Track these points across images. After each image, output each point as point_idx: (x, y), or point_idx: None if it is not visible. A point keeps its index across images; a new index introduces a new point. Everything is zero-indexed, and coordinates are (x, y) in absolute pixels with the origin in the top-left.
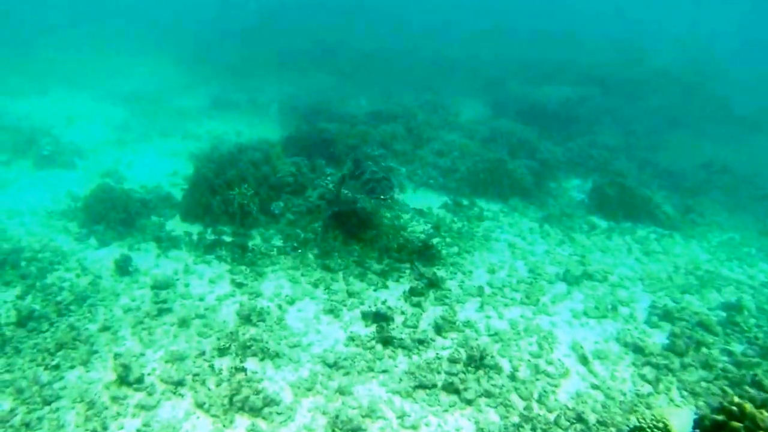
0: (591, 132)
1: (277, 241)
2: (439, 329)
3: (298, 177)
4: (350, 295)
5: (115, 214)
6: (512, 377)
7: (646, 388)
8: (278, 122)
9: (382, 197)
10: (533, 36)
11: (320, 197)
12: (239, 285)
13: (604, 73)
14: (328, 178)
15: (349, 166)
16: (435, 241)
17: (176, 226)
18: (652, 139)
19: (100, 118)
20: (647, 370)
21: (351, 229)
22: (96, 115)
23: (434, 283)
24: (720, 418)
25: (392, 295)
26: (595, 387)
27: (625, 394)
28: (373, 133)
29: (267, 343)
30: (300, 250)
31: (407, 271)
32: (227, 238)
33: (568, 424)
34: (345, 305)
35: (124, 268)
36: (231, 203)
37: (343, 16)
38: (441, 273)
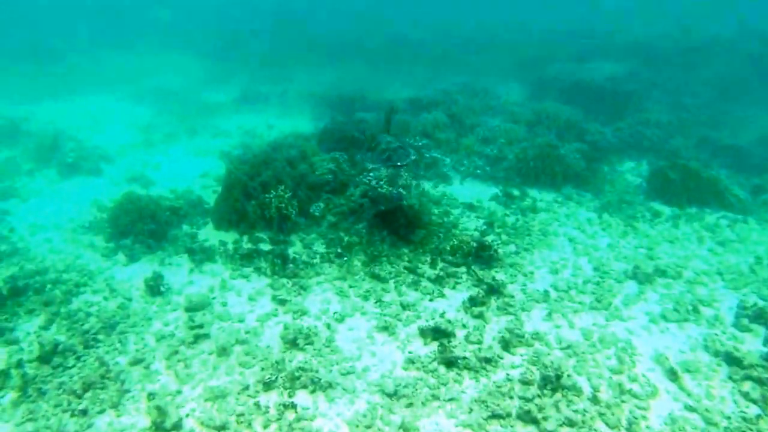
0: (641, 109)
1: (320, 247)
2: (506, 344)
3: (338, 174)
4: (404, 307)
5: (142, 226)
6: (594, 400)
7: (753, 410)
8: (311, 113)
9: (399, 164)
10: (570, 10)
11: (363, 195)
12: (282, 302)
13: (650, 45)
14: (371, 174)
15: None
16: (490, 238)
17: (209, 234)
18: (708, 113)
19: (126, 119)
20: (749, 386)
21: (398, 230)
22: (122, 115)
23: (495, 289)
24: None
25: (450, 305)
26: (690, 409)
27: (728, 418)
28: (414, 122)
29: (317, 371)
30: (345, 258)
31: (464, 276)
32: (265, 247)
33: None
34: (400, 320)
35: (155, 287)
36: (268, 207)
37: (373, 2)
38: (500, 276)
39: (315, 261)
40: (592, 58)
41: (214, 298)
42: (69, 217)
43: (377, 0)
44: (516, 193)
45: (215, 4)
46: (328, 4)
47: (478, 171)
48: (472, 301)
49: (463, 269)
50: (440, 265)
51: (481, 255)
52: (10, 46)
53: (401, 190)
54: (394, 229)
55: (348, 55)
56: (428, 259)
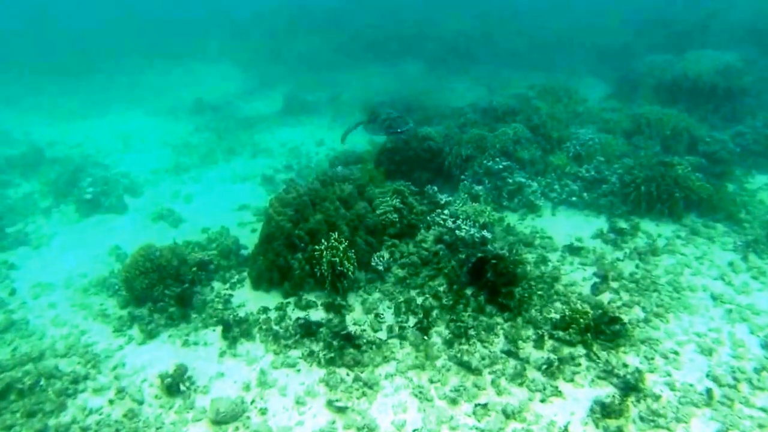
0: (763, 107)
1: (386, 311)
2: None
3: (405, 212)
4: (508, 416)
5: (163, 290)
6: None
7: None
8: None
9: (399, 131)
10: None
11: (438, 240)
12: (340, 410)
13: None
14: (446, 211)
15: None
16: (606, 298)
17: (246, 297)
18: None
19: (160, 138)
20: None
21: (487, 288)
22: (157, 134)
23: (632, 385)
24: None
25: (572, 409)
26: None
27: None
28: (491, 138)
29: None
30: (421, 334)
31: (583, 361)
32: (316, 314)
33: None
34: None
35: (173, 386)
36: (318, 263)
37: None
38: (632, 359)
39: (381, 339)
40: (689, 46)
41: (251, 402)
42: (82, 271)
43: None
44: (625, 226)
45: (257, 7)
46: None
47: (573, 198)
48: (605, 409)
49: (581, 349)
50: (548, 343)
51: (605, 331)
52: (47, 62)
53: (484, 232)
54: (482, 285)
55: (404, 53)
56: (531, 333)
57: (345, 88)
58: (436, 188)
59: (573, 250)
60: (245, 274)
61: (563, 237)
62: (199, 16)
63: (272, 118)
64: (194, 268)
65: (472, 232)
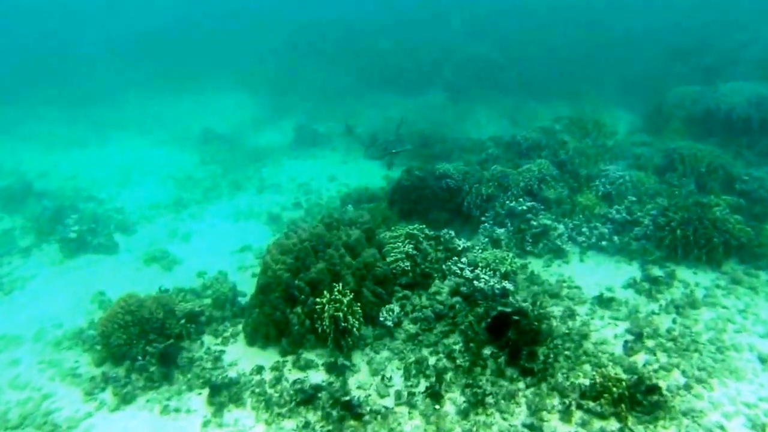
0: None
1: (395, 372)
2: None
3: (418, 259)
4: None
5: (144, 346)
6: None
7: None
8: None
9: (393, 151)
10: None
11: (454, 292)
12: None
13: None
14: (463, 259)
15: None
16: (641, 359)
17: (239, 354)
18: None
19: (163, 170)
20: None
21: (507, 347)
22: (159, 165)
23: None
24: None
25: None
26: None
27: None
28: (514, 175)
29: None
30: (433, 402)
31: None
32: (317, 375)
33: None
34: None
35: None
36: (320, 317)
37: (444, 22)
38: None
39: (388, 407)
40: (720, 77)
41: None
42: (57, 321)
43: (449, 21)
44: (660, 274)
45: (274, 26)
46: (397, 28)
47: (603, 242)
48: None
49: (615, 423)
50: (577, 414)
51: (642, 401)
52: (50, 88)
53: (505, 283)
54: (502, 344)
55: (424, 81)
56: (557, 403)
57: (360, 119)
58: (453, 233)
59: (603, 301)
60: (240, 327)
61: (592, 286)
62: (214, 40)
63: (282, 150)
64: (183, 321)
65: (492, 283)
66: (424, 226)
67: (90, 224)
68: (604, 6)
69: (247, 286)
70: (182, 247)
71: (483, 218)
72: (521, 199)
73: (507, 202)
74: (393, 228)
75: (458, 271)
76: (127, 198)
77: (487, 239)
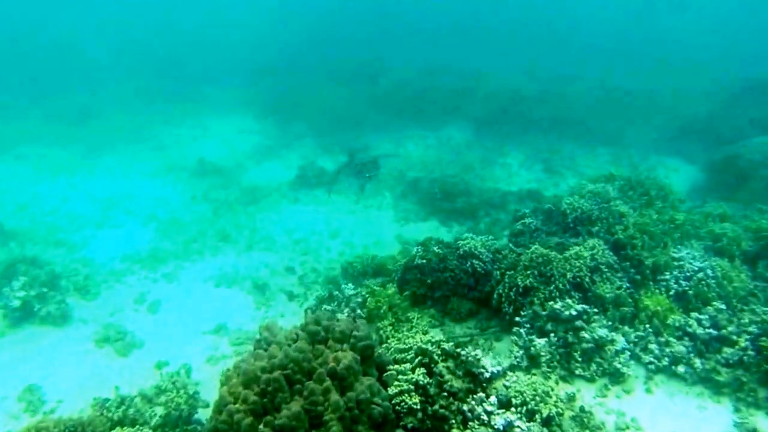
0: None
1: None
2: None
3: (430, 389)
4: None
5: None
6: None
7: None
8: (394, 210)
9: (367, 175)
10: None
11: None
12: None
13: None
14: (492, 398)
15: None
16: None
17: None
18: None
19: (148, 207)
20: None
21: None
22: (145, 201)
23: None
24: None
25: None
26: None
27: None
28: (558, 262)
29: None
30: None
31: None
32: None
33: None
34: None
35: None
36: None
37: (470, 48)
38: None
39: None
40: None
41: None
42: None
43: (474, 47)
44: (766, 425)
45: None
46: (418, 51)
47: (680, 366)
48: None
49: None
50: None
51: None
52: (52, 100)
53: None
54: None
55: (447, 113)
56: None
57: (372, 154)
58: (479, 354)
59: None
60: None
61: None
62: (219, 58)
63: (282, 191)
64: None
65: None
66: (441, 340)
67: (41, 288)
68: (653, 29)
69: (214, 389)
70: (147, 321)
71: (518, 318)
72: (568, 299)
73: (550, 304)
74: (401, 325)
75: (485, 418)
76: (100, 244)
77: (522, 351)
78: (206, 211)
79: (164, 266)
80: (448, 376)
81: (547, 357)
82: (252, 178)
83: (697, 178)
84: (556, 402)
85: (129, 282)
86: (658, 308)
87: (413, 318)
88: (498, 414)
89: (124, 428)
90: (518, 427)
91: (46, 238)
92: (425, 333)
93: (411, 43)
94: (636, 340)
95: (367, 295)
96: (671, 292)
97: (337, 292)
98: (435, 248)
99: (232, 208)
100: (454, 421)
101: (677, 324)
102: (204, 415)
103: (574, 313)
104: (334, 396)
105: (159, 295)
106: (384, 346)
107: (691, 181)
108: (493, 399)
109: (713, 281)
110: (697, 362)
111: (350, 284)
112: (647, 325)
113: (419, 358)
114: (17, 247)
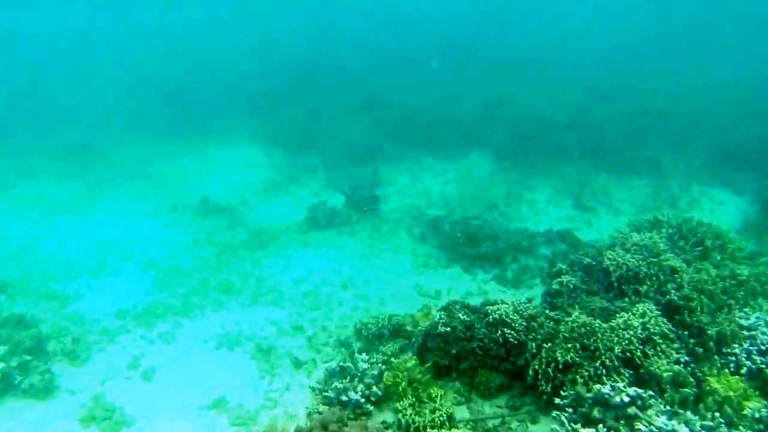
0: None
1: None
2: None
3: None
4: None
5: None
6: None
7: None
8: (412, 255)
9: (364, 209)
10: None
11: None
12: None
13: None
14: None
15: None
16: None
17: None
18: None
19: (147, 252)
20: None
21: None
22: (144, 245)
23: None
24: None
25: None
26: None
27: None
28: (604, 333)
29: None
30: None
31: None
32: None
33: None
34: None
35: None
36: None
37: (491, 72)
38: None
39: None
40: None
41: None
42: None
43: (496, 70)
44: None
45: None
46: (435, 76)
47: None
48: None
49: None
50: None
51: None
52: (54, 134)
53: None
54: None
55: (468, 142)
56: None
57: (390, 191)
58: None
59: None
60: None
61: None
62: (225, 87)
63: (291, 233)
64: None
65: None
66: None
67: (23, 356)
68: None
69: None
70: (140, 391)
71: (557, 400)
72: (616, 378)
73: (597, 386)
74: (423, 406)
75: None
76: (94, 297)
77: None
78: (209, 256)
79: (162, 323)
80: None
81: None
82: (259, 218)
83: (748, 212)
84: None
85: (123, 342)
86: (730, 393)
87: (436, 397)
88: None
89: None
90: None
91: (39, 290)
92: (450, 417)
93: (424, 71)
94: (703, 431)
95: (383, 368)
96: (743, 370)
97: (349, 363)
98: (460, 314)
99: (237, 253)
100: None
101: (756, 415)
102: None
103: (626, 399)
104: None
105: (154, 360)
106: None
107: (741, 216)
108: None
109: None
110: None
111: (363, 354)
112: (716, 412)
113: None
114: (7, 300)
